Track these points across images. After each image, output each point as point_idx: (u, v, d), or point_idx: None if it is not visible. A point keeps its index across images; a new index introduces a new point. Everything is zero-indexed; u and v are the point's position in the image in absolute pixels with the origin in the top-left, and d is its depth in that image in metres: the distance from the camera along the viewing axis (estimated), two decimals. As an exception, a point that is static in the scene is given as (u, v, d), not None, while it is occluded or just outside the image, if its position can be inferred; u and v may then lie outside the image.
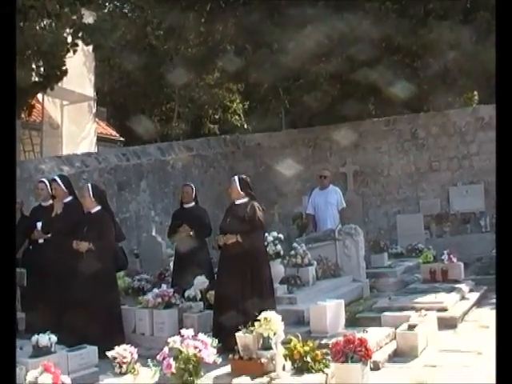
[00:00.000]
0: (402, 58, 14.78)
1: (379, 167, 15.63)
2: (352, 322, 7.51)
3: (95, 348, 6.38)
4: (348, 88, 15.43)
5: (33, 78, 11.25)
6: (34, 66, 11.02)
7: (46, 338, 6.00)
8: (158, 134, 23.96)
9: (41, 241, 7.94)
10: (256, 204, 7.12)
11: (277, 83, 17.25)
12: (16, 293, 8.77)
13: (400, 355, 6.24)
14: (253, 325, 5.59)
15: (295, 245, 9.40)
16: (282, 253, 8.51)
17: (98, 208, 7.60)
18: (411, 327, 6.47)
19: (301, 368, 5.34)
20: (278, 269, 8.40)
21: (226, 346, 5.75)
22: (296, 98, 17.39)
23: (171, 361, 4.76)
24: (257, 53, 15.74)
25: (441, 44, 13.94)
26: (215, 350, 5.02)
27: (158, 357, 4.90)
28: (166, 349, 4.91)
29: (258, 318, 5.57)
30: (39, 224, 7.95)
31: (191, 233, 9.04)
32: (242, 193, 7.22)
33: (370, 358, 5.34)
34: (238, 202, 7.25)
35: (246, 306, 6.62)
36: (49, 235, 7.91)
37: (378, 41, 14.29)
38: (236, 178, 7.36)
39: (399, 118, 15.83)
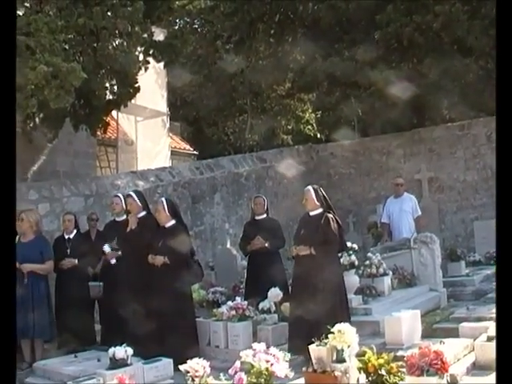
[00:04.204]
0: (474, 59, 14.41)
1: (455, 173, 15.26)
2: (429, 332, 7.33)
3: (170, 360, 6.49)
4: (420, 93, 15.15)
5: (107, 97, 11.53)
6: (107, 85, 11.29)
7: (122, 351, 6.14)
8: (231, 147, 24.18)
9: (113, 261, 8.10)
10: (330, 216, 6.99)
11: (348, 91, 17.13)
12: (94, 305, 9.06)
13: (479, 368, 6.02)
14: (327, 337, 5.54)
15: (370, 254, 9.27)
16: (356, 263, 8.41)
17: (173, 222, 7.69)
18: (490, 339, 6.24)
19: (375, 381, 5.23)
20: (352, 279, 8.33)
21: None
22: (368, 105, 17.23)
23: (243, 375, 4.77)
24: (327, 61, 15.66)
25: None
26: (287, 364, 5.01)
27: (229, 371, 4.91)
28: (237, 363, 4.92)
29: (332, 330, 5.52)
30: (106, 247, 8.12)
31: (266, 244, 9.06)
32: (317, 203, 7.11)
33: (447, 371, 5.19)
34: (312, 213, 7.15)
35: (319, 319, 6.58)
36: (119, 253, 8.08)
37: (449, 44, 14.01)
38: (310, 188, 7.22)
39: (474, 122, 15.43)
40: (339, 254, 7.91)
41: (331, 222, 6.95)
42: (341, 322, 5.77)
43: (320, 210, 7.10)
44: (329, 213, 7.06)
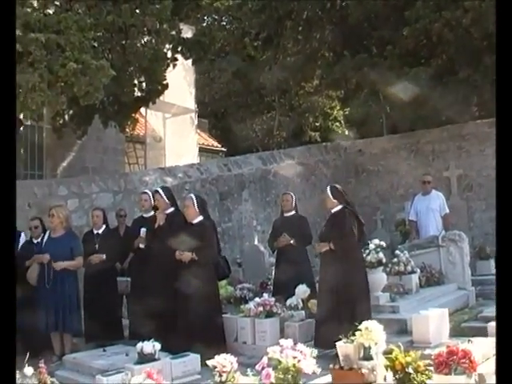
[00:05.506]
0: (505, 55, 14.22)
1: (484, 170, 15.06)
2: (457, 331, 7.28)
3: (198, 356, 6.52)
4: (449, 89, 15.01)
5: (135, 94, 11.61)
6: (136, 82, 11.37)
7: (150, 346, 6.18)
8: (259, 144, 24.20)
9: (141, 245, 8.15)
10: (347, 211, 7.08)
11: (376, 88, 17.03)
12: (122, 300, 9.14)
13: (508, 367, 5.98)
14: (354, 334, 5.53)
15: (398, 252, 9.23)
16: (384, 260, 8.36)
17: (200, 218, 7.71)
18: (520, 338, 6.19)
19: (402, 379, 5.20)
20: (380, 277, 8.27)
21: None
22: (396, 101, 17.11)
23: (270, 371, 4.79)
24: (355, 58, 15.60)
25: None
26: (314, 360, 5.01)
27: (257, 366, 4.93)
28: (265, 358, 4.94)
29: (359, 327, 5.51)
30: (143, 230, 8.18)
31: (292, 241, 9.07)
32: (335, 201, 7.19)
33: (475, 370, 5.13)
34: (333, 210, 7.24)
35: (340, 315, 6.62)
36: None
37: (479, 40, 13.86)
38: (328, 187, 7.36)
39: (504, 119, 15.24)
40: (367, 251, 7.96)
41: (346, 216, 7.02)
42: (361, 318, 5.80)
43: (339, 207, 7.19)
44: (346, 208, 7.13)
